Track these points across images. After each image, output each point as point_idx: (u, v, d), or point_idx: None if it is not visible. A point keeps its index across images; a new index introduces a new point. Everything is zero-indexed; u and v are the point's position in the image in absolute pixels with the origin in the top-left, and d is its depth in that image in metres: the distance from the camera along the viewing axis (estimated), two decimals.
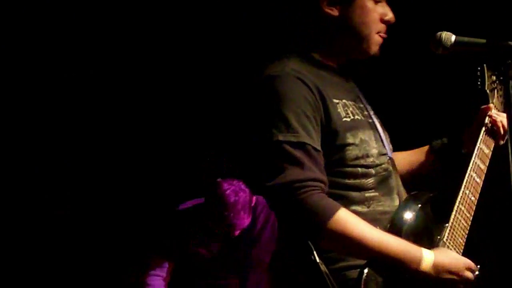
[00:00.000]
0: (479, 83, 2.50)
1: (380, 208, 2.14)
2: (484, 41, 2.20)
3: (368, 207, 2.13)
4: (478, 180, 2.31)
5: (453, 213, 2.22)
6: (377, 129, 2.25)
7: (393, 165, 2.26)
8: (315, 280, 2.03)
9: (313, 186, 2.00)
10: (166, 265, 3.82)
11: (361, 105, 2.27)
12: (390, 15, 2.25)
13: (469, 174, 2.30)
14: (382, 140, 2.24)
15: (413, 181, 2.44)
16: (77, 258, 4.53)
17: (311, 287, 2.05)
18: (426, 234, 2.16)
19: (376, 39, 2.24)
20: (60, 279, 4.51)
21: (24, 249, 4.52)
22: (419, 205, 2.18)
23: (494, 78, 2.58)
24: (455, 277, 2.06)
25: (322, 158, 2.07)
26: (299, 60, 2.18)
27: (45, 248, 4.54)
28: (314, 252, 2.02)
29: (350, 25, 2.21)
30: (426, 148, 2.52)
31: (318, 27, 2.23)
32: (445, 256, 2.08)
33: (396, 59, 2.31)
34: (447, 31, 2.22)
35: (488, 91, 2.54)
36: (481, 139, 2.37)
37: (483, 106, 2.45)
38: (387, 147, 2.26)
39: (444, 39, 2.22)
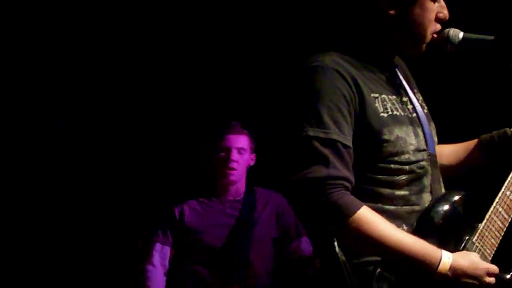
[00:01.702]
0: None
1: (407, 208, 2.12)
2: (492, 37, 2.20)
3: (396, 205, 2.11)
4: None
5: (488, 213, 2.19)
6: (420, 124, 2.21)
7: (433, 161, 2.22)
8: (332, 269, 2.03)
9: (336, 184, 1.98)
10: (167, 252, 3.85)
11: (405, 99, 2.23)
12: (444, 12, 2.20)
13: None
14: (425, 135, 2.20)
15: (459, 175, 2.41)
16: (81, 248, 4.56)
17: (328, 276, 2.05)
18: (455, 233, 2.14)
19: (429, 39, 2.20)
20: (59, 272, 4.54)
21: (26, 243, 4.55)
22: (450, 204, 2.15)
23: None
24: (474, 281, 2.05)
25: (351, 155, 2.05)
26: (341, 53, 2.15)
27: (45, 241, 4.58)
28: (335, 243, 2.02)
29: (408, 25, 2.16)
30: (475, 141, 2.45)
31: (373, 25, 2.19)
32: (465, 259, 2.06)
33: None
34: (455, 27, 2.22)
35: None
36: None
37: None
38: (429, 143, 2.21)
39: (452, 36, 2.21)
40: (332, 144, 2.02)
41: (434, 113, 2.34)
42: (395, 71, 2.29)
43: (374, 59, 2.21)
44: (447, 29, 2.22)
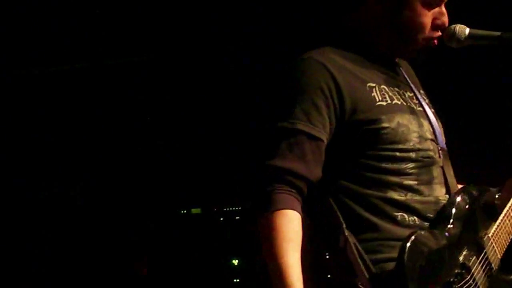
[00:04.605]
0: None
1: (418, 198, 2.12)
2: (499, 33, 2.18)
3: (405, 195, 2.11)
4: None
5: (502, 214, 2.21)
6: (426, 117, 2.21)
7: (444, 155, 2.22)
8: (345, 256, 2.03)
9: (279, 178, 2.02)
10: None
11: (410, 94, 2.23)
12: (443, 19, 2.19)
13: None
14: (432, 128, 2.20)
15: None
16: None
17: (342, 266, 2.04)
18: (473, 228, 2.15)
19: (422, 44, 2.19)
20: None
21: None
22: (471, 199, 2.18)
23: None
24: None
25: (319, 147, 2.07)
26: (339, 47, 2.17)
27: None
28: (343, 226, 2.04)
29: (396, 26, 2.17)
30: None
31: (364, 20, 2.21)
32: None
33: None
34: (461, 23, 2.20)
35: None
36: None
37: None
38: (438, 136, 2.22)
39: (458, 32, 2.19)
40: (294, 134, 2.05)
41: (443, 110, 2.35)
42: (398, 69, 2.28)
43: (373, 55, 2.21)
44: (453, 25, 2.21)
